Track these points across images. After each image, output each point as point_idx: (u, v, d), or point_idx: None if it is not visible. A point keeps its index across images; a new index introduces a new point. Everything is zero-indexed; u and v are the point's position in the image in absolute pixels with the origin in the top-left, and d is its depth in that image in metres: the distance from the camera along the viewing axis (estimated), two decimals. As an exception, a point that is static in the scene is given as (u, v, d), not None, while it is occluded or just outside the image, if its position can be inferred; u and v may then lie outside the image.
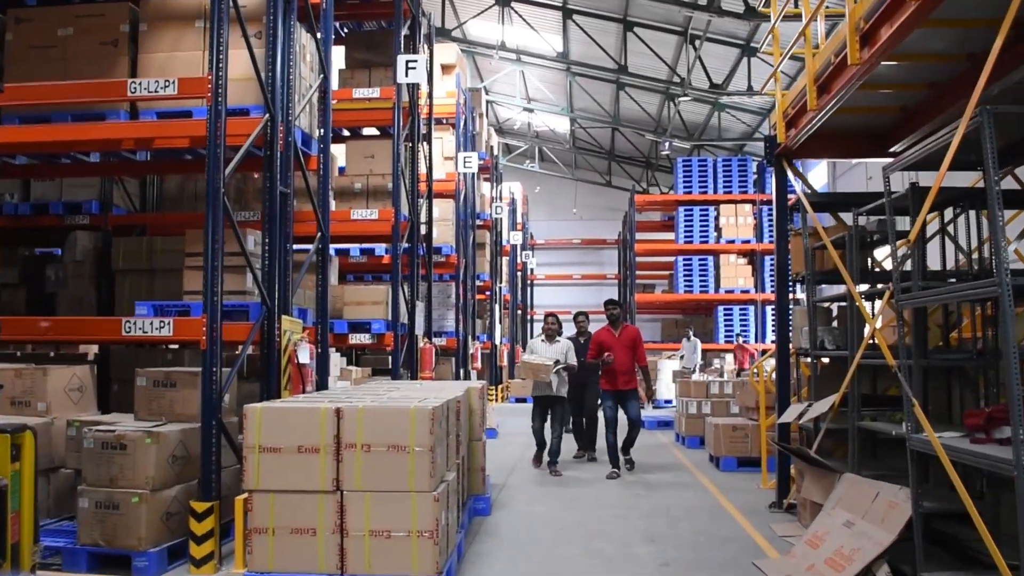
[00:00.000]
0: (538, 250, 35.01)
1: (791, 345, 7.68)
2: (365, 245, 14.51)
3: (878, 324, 6.23)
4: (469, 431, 7.28)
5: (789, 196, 7.77)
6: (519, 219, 29.20)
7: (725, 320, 25.16)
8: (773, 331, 25.02)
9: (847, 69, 5.78)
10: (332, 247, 15.03)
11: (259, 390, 6.86)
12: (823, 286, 7.95)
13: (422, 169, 13.18)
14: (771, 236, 25.21)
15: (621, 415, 9.87)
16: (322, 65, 8.30)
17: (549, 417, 10.00)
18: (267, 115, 6.77)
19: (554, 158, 33.23)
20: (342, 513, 4.84)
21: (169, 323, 6.26)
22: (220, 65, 6.14)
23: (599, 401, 10.35)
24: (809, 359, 7.16)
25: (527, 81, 26.59)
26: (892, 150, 7.57)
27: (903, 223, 6.34)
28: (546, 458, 10.02)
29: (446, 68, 17.01)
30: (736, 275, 25.08)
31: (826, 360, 7.32)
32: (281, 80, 6.99)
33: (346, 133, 12.84)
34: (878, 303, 6.49)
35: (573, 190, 34.38)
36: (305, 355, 6.88)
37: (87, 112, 6.96)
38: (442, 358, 19.00)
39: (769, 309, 24.84)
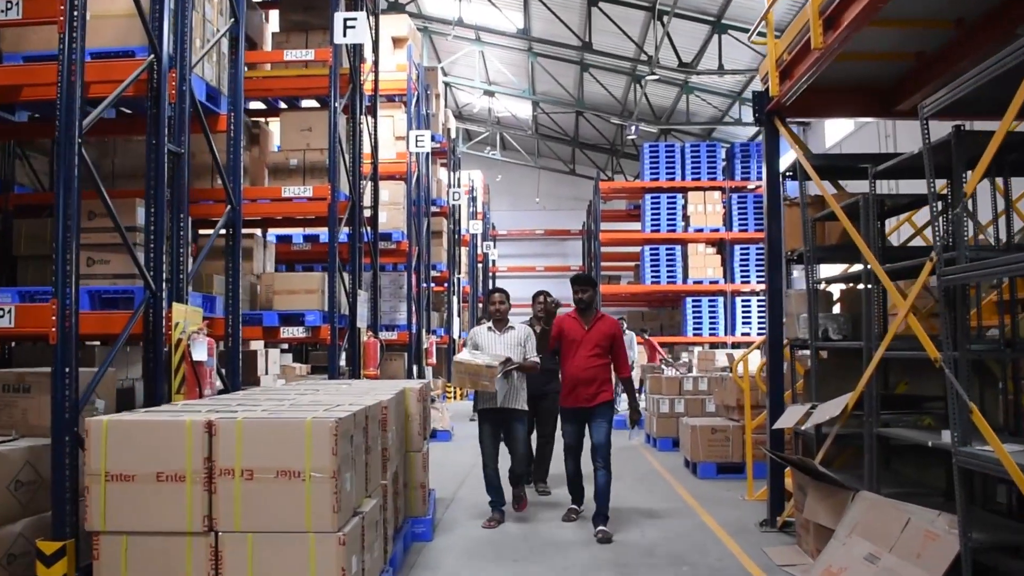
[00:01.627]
0: (500, 241, 33.83)
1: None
2: (309, 231, 13.25)
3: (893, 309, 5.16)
4: (405, 440, 6.08)
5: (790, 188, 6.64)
6: (479, 208, 28.00)
7: (694, 312, 24.16)
8: (746, 323, 24.29)
9: (863, -6, 4.68)
10: (274, 233, 13.85)
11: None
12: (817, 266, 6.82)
13: (369, 149, 11.94)
14: (741, 224, 24.54)
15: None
16: (233, 8, 7.02)
17: (505, 441, 7.11)
18: (151, 56, 5.50)
19: (516, 146, 32.01)
20: (217, 562, 3.63)
21: (9, 311, 4.95)
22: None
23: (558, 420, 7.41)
24: (808, 352, 6.04)
25: (487, 63, 25.35)
26: (899, 108, 6.50)
27: (915, 187, 5.28)
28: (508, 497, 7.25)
29: (397, 41, 15.75)
30: (705, 265, 24.11)
31: (824, 354, 6.23)
32: (173, 16, 5.73)
33: (283, 105, 11.58)
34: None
35: (536, 179, 33.21)
36: (202, 351, 5.62)
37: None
38: (393, 353, 17.74)
39: (739, 301, 23.95)
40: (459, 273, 22.72)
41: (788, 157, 6.63)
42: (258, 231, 13.42)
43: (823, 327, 5.73)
